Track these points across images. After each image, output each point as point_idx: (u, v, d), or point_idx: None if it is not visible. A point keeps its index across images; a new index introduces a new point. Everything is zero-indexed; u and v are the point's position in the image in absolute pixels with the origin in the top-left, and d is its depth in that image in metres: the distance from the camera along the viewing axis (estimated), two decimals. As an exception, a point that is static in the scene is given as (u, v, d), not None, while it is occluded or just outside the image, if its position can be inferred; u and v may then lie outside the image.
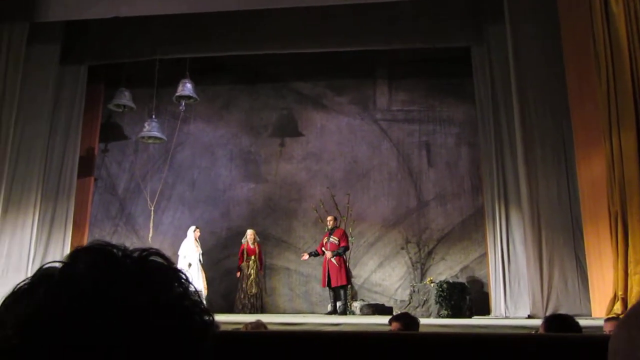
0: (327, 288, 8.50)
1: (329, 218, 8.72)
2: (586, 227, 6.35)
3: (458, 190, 9.47)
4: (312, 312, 9.12)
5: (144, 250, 0.60)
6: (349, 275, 8.51)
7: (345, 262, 8.50)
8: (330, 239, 8.56)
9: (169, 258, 0.61)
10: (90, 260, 0.56)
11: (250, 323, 4.49)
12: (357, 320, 7.29)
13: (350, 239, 8.76)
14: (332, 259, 8.39)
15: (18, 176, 8.53)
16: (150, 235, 9.14)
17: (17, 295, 0.55)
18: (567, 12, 6.70)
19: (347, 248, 8.54)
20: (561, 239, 6.86)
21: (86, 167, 9.61)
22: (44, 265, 0.58)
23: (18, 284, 0.56)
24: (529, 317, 6.84)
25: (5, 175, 8.15)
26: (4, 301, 0.55)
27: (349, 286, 8.59)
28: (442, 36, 8.60)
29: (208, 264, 9.56)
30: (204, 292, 8.82)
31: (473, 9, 8.50)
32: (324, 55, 9.34)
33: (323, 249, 8.62)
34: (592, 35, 6.11)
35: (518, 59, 7.27)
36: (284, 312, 9.27)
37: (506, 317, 7.43)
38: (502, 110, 7.90)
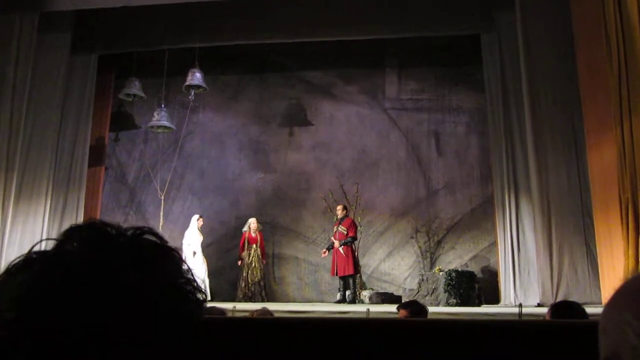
0: (337, 277, 8.55)
1: (338, 207, 8.75)
2: (596, 214, 6.31)
3: (467, 179, 9.45)
4: (321, 301, 9.16)
5: (137, 228, 0.61)
6: (356, 265, 8.53)
7: (353, 251, 8.53)
8: (339, 229, 8.60)
9: (163, 236, 0.62)
10: (84, 238, 0.57)
11: (257, 310, 4.53)
12: (365, 309, 7.31)
13: (359, 228, 8.78)
14: (340, 249, 8.43)
15: (30, 165, 8.61)
16: (161, 224, 9.20)
17: (12, 271, 0.55)
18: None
19: (355, 238, 8.56)
20: (571, 227, 6.83)
21: (97, 156, 9.68)
22: (38, 241, 0.60)
23: (13, 260, 0.56)
24: (539, 305, 6.83)
25: (17, 164, 8.22)
26: (1, 277, 0.55)
27: (357, 275, 8.62)
28: (451, 24, 8.55)
29: (217, 253, 9.64)
30: (206, 280, 8.88)
31: (483, -4, 8.44)
32: (333, 44, 9.32)
33: (332, 238, 8.66)
34: (604, 21, 6.05)
35: (528, 46, 7.22)
36: (293, 301, 9.32)
37: (515, 306, 7.42)
38: (512, 98, 7.86)
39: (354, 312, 6.48)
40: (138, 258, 0.57)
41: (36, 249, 0.58)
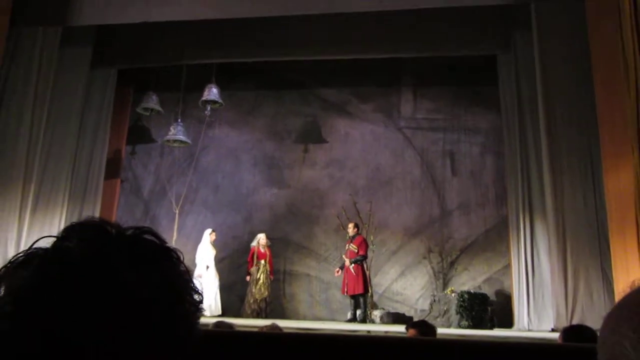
0: (348, 296, 8.50)
1: (349, 225, 8.73)
2: (613, 238, 6.19)
3: (482, 200, 9.37)
4: (333, 319, 9.08)
5: (137, 228, 0.61)
6: (366, 284, 8.46)
7: (364, 270, 8.48)
8: (350, 247, 8.57)
9: (162, 237, 0.62)
10: (83, 236, 0.58)
11: (266, 326, 4.51)
12: (375, 328, 7.25)
13: (371, 247, 8.72)
14: (350, 267, 8.38)
15: (47, 176, 8.74)
16: (174, 238, 9.23)
17: (13, 266, 0.57)
18: (596, 21, 6.60)
19: (365, 256, 8.51)
20: (587, 250, 6.71)
21: (113, 168, 9.80)
22: (39, 238, 0.61)
23: (14, 256, 0.57)
24: (553, 330, 6.70)
25: (34, 174, 8.35)
26: (0, 271, 0.56)
27: (368, 294, 8.54)
28: (468, 44, 8.55)
29: (230, 268, 9.65)
30: (218, 294, 8.87)
31: (500, 17, 8.42)
32: (349, 62, 9.37)
33: (343, 256, 8.63)
34: (621, 42, 6.01)
35: (545, 67, 7.18)
36: (303, 319, 9.26)
37: (529, 330, 7.29)
38: (528, 119, 7.81)
39: (364, 332, 6.41)
40: (136, 257, 0.58)
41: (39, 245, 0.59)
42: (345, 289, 8.45)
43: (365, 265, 8.52)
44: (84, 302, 0.53)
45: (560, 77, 7.13)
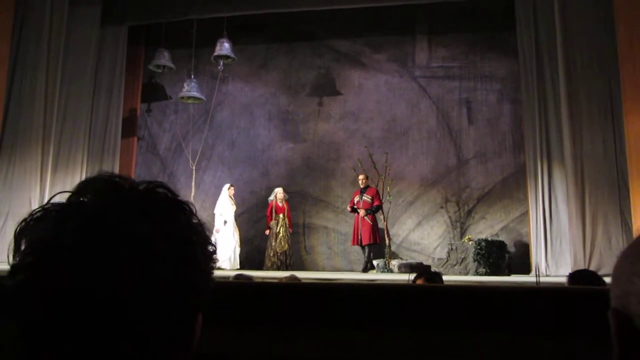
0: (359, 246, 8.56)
1: (360, 177, 8.74)
2: (632, 182, 6.14)
3: (499, 148, 9.27)
4: (351, 270, 9.23)
5: (150, 182, 0.62)
6: (380, 234, 8.54)
7: (376, 220, 8.54)
8: (363, 197, 8.60)
9: (175, 191, 0.63)
10: (97, 190, 0.59)
11: (285, 277, 4.61)
12: (394, 277, 7.35)
13: (388, 198, 8.74)
14: (366, 217, 8.44)
15: (65, 136, 8.84)
16: (193, 194, 9.35)
17: (32, 221, 0.58)
18: (619, -42, 6.34)
19: (380, 207, 8.55)
20: (606, 196, 6.67)
21: (129, 127, 9.86)
22: (55, 194, 0.61)
23: (32, 211, 0.59)
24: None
25: (52, 134, 8.46)
26: (19, 225, 0.58)
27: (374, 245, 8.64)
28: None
29: (249, 223, 9.78)
30: (237, 248, 9.03)
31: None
32: (362, 11, 9.15)
33: (355, 207, 8.66)
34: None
35: (564, 7, 6.95)
36: (322, 270, 9.42)
37: (547, 275, 7.34)
38: (546, 63, 7.62)
39: (381, 281, 6.51)
40: (149, 209, 0.59)
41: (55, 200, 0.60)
42: (359, 239, 8.51)
43: (383, 216, 8.57)
44: (99, 252, 0.54)
45: (580, 19, 6.92)
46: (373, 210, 8.51)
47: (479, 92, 9.52)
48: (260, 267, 9.02)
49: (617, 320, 0.60)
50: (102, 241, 0.55)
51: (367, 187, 8.66)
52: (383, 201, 8.63)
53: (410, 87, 9.82)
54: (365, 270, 8.43)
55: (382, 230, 8.71)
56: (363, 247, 8.57)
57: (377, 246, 8.58)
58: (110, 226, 0.55)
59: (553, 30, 7.19)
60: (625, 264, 0.62)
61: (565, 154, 7.01)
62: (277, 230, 9.05)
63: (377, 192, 8.62)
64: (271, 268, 8.80)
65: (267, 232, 9.17)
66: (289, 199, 9.39)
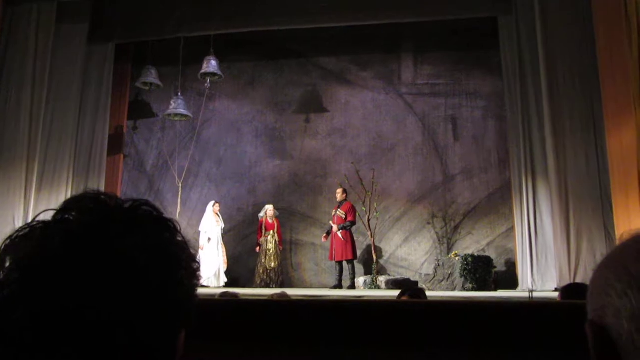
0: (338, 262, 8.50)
1: (338, 191, 8.74)
2: (615, 198, 6.20)
3: (485, 164, 9.36)
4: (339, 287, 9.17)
5: (135, 200, 0.63)
6: (355, 251, 8.52)
7: (352, 236, 8.52)
8: (338, 212, 8.60)
9: (159, 208, 0.64)
10: (83, 207, 0.60)
11: (276, 294, 4.58)
12: (381, 294, 7.34)
13: (375, 214, 8.74)
14: (338, 233, 8.42)
15: (50, 154, 8.75)
16: (178, 211, 9.30)
17: (17, 238, 0.59)
18: (598, -21, 6.48)
19: (353, 222, 8.54)
20: (590, 211, 6.73)
21: (115, 144, 9.80)
22: (42, 212, 0.63)
23: (18, 229, 0.59)
24: (556, 290, 6.77)
25: (37, 152, 8.37)
26: (4, 242, 0.59)
27: (356, 261, 8.62)
28: (468, 7, 8.42)
29: (236, 240, 9.73)
30: (223, 266, 8.97)
31: (500, -23, 8.28)
32: (348, 29, 9.25)
33: (330, 222, 8.68)
34: (624, 1, 5.91)
35: (546, 28, 7.08)
36: (310, 286, 9.38)
37: (532, 290, 7.37)
38: (530, 81, 7.74)
39: (368, 298, 6.49)
40: (134, 227, 0.59)
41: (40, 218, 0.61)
42: (333, 255, 8.48)
43: (370, 232, 8.56)
44: (84, 269, 0.55)
45: (562, 38, 7.04)
46: (346, 226, 8.48)
47: (464, 109, 9.63)
48: (247, 285, 8.96)
49: (593, 333, 0.61)
50: (87, 258, 0.55)
51: (343, 201, 8.65)
52: (370, 217, 8.64)
53: (397, 104, 9.91)
54: (337, 287, 8.35)
55: (370, 246, 8.71)
56: (338, 264, 8.50)
57: (367, 262, 8.55)
58: (95, 243, 0.56)
59: (536, 50, 7.31)
60: (601, 277, 0.63)
61: (550, 169, 7.08)
62: (267, 247, 9.02)
63: (352, 208, 8.60)
64: (260, 285, 8.75)
65: (257, 249, 9.14)
66: (279, 216, 9.37)
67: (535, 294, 6.64)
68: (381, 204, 9.08)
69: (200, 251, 8.78)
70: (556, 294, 6.20)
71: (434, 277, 7.89)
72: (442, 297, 5.76)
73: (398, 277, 8.59)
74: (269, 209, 9.20)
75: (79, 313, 0.53)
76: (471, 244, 9.09)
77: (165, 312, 0.59)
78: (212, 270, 8.73)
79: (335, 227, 8.50)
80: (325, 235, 8.79)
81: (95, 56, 9.31)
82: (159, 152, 10.35)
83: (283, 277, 9.18)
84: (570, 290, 3.08)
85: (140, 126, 10.62)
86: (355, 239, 8.66)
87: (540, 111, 7.42)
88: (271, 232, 9.10)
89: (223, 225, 9.23)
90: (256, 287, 8.71)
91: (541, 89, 7.22)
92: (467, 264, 7.48)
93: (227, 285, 8.77)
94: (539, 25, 7.15)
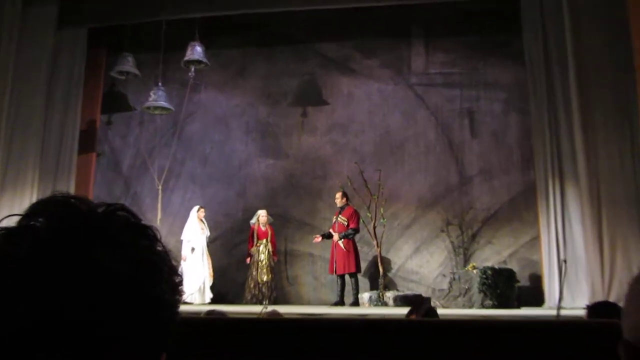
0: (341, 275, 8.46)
1: (337, 195, 8.72)
2: (654, 203, 6.22)
3: (506, 164, 9.37)
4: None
5: (110, 204, 0.63)
6: (358, 262, 8.50)
7: (355, 246, 8.50)
8: (339, 219, 8.57)
9: (137, 214, 0.64)
10: (51, 213, 0.60)
11: (267, 312, 4.58)
12: (388, 312, 7.34)
13: (381, 221, 8.73)
14: (340, 242, 8.40)
15: (14, 154, 8.74)
16: (159, 217, 9.29)
17: None
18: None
19: (357, 230, 8.51)
20: (625, 218, 6.74)
21: (87, 141, 9.80)
22: (4, 218, 0.62)
23: None
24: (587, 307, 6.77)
25: (-1, 151, 8.37)
26: None
27: (359, 274, 8.60)
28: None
29: (223, 250, 9.73)
30: (209, 280, 8.96)
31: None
32: (351, 11, 9.25)
33: (331, 230, 8.65)
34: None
35: (575, 9, 7.09)
36: (308, 303, 9.36)
37: (560, 308, 7.36)
38: (556, 70, 7.75)
39: (375, 315, 6.49)
40: (108, 234, 0.59)
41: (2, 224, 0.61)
42: (334, 268, 8.46)
43: (376, 241, 8.55)
44: (52, 280, 0.55)
45: (593, 20, 7.04)
46: (348, 234, 8.47)
47: (482, 102, 9.64)
48: (235, 302, 8.95)
49: (627, 353, 0.61)
50: (57, 268, 0.55)
51: (344, 206, 8.64)
52: (376, 225, 8.63)
53: (406, 96, 9.92)
54: (339, 304, 8.33)
55: (376, 257, 8.71)
56: (339, 277, 8.49)
57: (373, 276, 8.53)
58: (65, 252, 0.56)
59: (563, 33, 7.31)
60: (638, 292, 0.63)
61: (579, 170, 7.08)
62: (259, 258, 9.00)
63: (355, 214, 8.58)
64: (251, 301, 8.73)
65: (248, 260, 9.12)
66: (273, 223, 9.36)
67: (563, 312, 6.64)
68: (388, 210, 9.07)
69: (182, 262, 8.78)
70: (583, 312, 6.21)
71: (449, 292, 7.89)
72: (457, 315, 5.77)
73: (408, 292, 8.58)
74: (262, 215, 9.20)
75: (47, 327, 0.53)
76: (491, 255, 9.09)
77: (144, 331, 0.58)
78: (196, 284, 8.72)
79: (336, 236, 8.47)
80: (319, 236, 8.72)
81: (65, 42, 9.32)
82: (137, 150, 10.35)
83: (277, 292, 9.17)
84: (599, 309, 3.09)
85: (116, 121, 10.63)
86: (359, 249, 8.66)
87: (569, 104, 7.42)
88: (264, 241, 9.09)
89: (209, 234, 9.23)
90: (246, 303, 8.70)
91: (569, 79, 7.22)
92: (487, 278, 7.47)
93: (213, 301, 8.77)
94: (566, 6, 7.15)
